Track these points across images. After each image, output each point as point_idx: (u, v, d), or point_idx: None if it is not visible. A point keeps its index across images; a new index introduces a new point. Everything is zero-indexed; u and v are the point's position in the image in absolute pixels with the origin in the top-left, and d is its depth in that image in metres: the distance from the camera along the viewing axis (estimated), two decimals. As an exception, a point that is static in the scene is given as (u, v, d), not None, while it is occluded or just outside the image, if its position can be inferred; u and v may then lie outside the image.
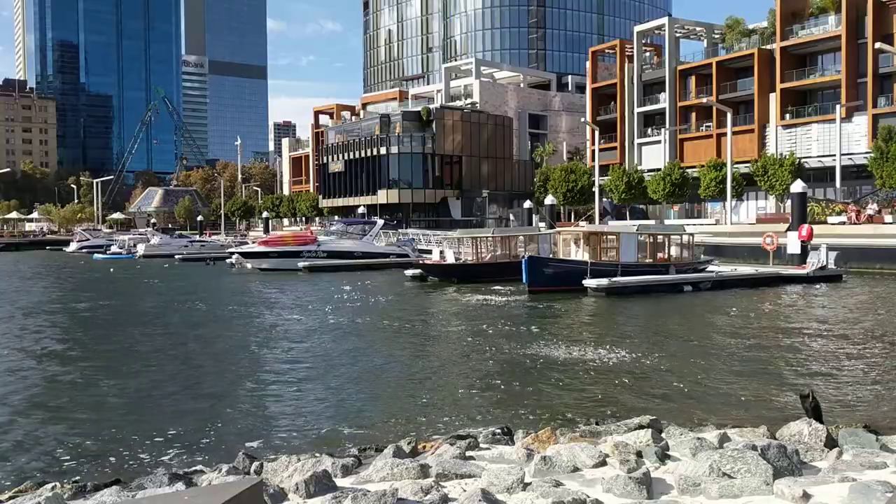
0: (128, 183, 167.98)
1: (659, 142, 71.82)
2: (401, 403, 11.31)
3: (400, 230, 62.52)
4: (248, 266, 45.20)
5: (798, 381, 12.03)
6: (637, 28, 77.09)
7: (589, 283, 26.64)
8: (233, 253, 48.97)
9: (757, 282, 29.98)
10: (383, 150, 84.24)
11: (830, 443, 6.43)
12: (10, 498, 6.40)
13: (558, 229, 35.74)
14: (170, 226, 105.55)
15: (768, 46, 63.71)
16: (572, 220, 65.75)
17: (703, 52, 73.50)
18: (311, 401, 11.56)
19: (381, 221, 53.58)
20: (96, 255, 67.64)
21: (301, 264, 42.94)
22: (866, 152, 52.39)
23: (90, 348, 17.39)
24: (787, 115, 62.02)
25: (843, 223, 43.13)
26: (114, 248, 70.97)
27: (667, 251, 31.72)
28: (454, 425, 9.45)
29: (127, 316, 24.06)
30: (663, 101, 71.75)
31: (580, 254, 29.88)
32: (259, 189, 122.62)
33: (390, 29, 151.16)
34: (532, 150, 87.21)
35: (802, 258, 32.96)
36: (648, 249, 31.11)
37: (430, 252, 44.74)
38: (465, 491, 5.27)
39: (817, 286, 29.18)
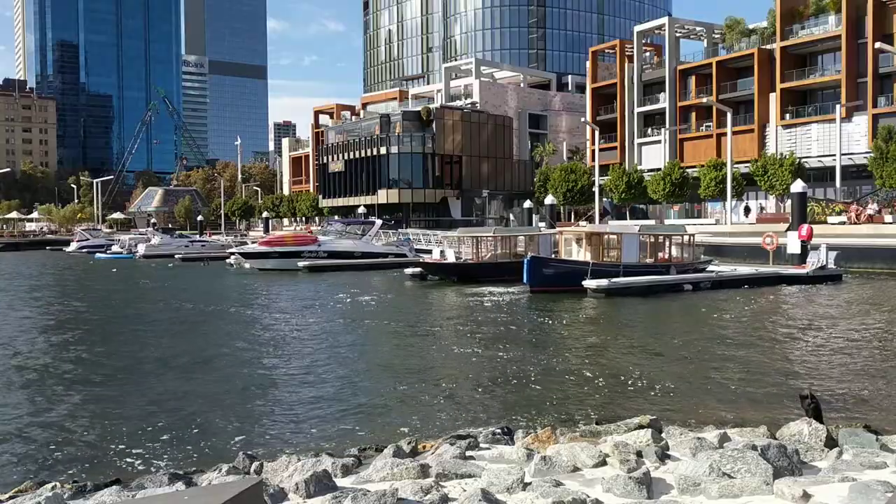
0: (128, 183, 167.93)
1: (659, 142, 71.81)
2: (401, 403, 11.32)
3: (400, 230, 62.55)
4: (247, 266, 45.21)
5: (798, 381, 12.03)
6: (637, 28, 77.06)
7: (589, 283, 26.63)
8: (232, 253, 48.96)
9: (757, 282, 29.97)
10: (383, 150, 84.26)
11: (830, 443, 6.43)
12: (10, 498, 6.40)
13: (559, 229, 35.75)
14: (170, 226, 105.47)
15: (768, 46, 63.69)
16: (572, 220, 65.74)
17: (703, 52, 73.47)
18: (311, 401, 11.56)
19: (379, 221, 53.62)
20: (98, 255, 67.77)
21: (301, 264, 42.96)
22: (866, 152, 52.36)
23: (90, 349, 17.38)
24: (787, 115, 61.99)
25: (843, 223, 43.10)
26: (115, 248, 71.07)
27: (667, 251, 31.73)
28: (454, 425, 9.45)
29: (127, 316, 24.06)
30: (663, 101, 71.73)
31: (581, 254, 29.89)
32: (259, 189, 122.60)
33: (390, 29, 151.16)
34: (532, 150, 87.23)
35: (802, 258, 32.95)
36: (649, 250, 31.13)
37: (429, 252, 44.75)
38: (465, 491, 5.27)
39: (817, 286, 29.17)
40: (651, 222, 58.61)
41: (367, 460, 6.75)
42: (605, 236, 30.82)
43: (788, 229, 36.82)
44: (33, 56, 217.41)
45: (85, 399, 12.01)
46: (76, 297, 31.35)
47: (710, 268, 32.15)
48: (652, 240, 31.57)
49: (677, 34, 74.00)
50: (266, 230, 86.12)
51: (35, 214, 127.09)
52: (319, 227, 63.67)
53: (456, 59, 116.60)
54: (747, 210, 57.15)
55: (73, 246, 78.19)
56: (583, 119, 75.94)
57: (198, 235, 79.95)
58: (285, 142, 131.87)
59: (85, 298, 30.39)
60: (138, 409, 11.16)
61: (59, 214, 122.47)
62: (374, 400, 11.72)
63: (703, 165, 59.30)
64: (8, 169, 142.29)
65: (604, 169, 65.56)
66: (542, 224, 54.59)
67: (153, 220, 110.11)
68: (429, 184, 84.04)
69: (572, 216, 71.25)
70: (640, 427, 7.36)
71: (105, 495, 6.11)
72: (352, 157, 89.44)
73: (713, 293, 27.37)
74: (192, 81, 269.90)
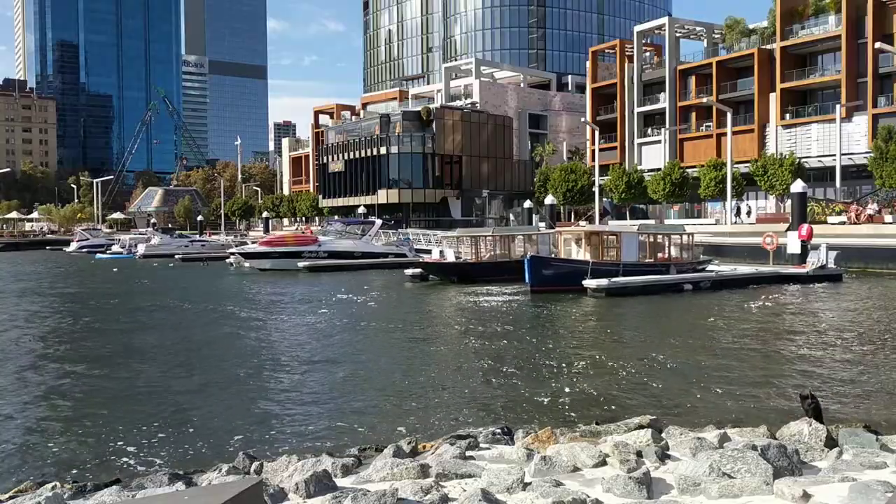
0: (128, 183, 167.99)
1: (659, 142, 71.80)
2: (401, 403, 11.31)
3: (400, 230, 62.56)
4: (247, 266, 45.20)
5: (798, 381, 12.03)
6: (637, 28, 77.06)
7: (588, 283, 26.64)
8: (232, 253, 48.96)
9: (757, 281, 29.99)
10: (383, 150, 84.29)
11: (830, 443, 6.43)
12: (10, 498, 6.40)
13: (558, 229, 35.75)
14: (170, 226, 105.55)
15: (768, 46, 63.69)
16: (572, 220, 65.75)
17: (703, 51, 73.47)
18: (311, 401, 11.56)
19: (379, 221, 53.62)
20: (98, 255, 67.92)
21: (301, 264, 42.96)
22: (866, 152, 52.37)
23: (91, 348, 17.39)
24: (787, 115, 62.00)
25: (843, 223, 43.11)
26: (115, 248, 71.19)
27: (667, 251, 31.75)
28: (454, 425, 9.45)
29: (127, 316, 24.05)
30: (663, 101, 71.73)
31: (581, 254, 29.89)
32: (259, 189, 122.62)
33: (390, 29, 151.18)
34: (532, 150, 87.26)
35: (802, 258, 32.96)
36: (649, 249, 31.14)
37: (429, 252, 44.78)
38: (465, 491, 5.27)
39: (817, 286, 29.19)
40: (651, 222, 58.59)
41: (367, 460, 6.75)
42: (605, 236, 30.83)
43: (788, 229, 36.83)
44: (33, 56, 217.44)
45: (85, 399, 12.01)
46: (78, 296, 31.34)
47: (710, 267, 32.16)
48: (651, 239, 31.59)
49: (677, 34, 73.99)
50: (266, 230, 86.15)
51: (35, 214, 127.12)
52: (319, 227, 63.67)
53: (456, 59, 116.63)
54: (738, 211, 57.07)
55: (73, 246, 78.35)
56: (583, 119, 75.94)
57: (198, 235, 79.99)
58: (285, 142, 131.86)
59: (86, 298, 30.38)
60: (138, 408, 11.16)
61: (59, 214, 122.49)
62: (374, 400, 11.72)
63: (703, 165, 59.31)
64: (8, 169, 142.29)
65: (604, 169, 65.56)
66: (542, 224, 54.60)
67: (153, 220, 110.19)
68: (429, 184, 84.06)
69: (572, 216, 71.25)
70: (640, 427, 7.36)
71: (105, 495, 6.11)
72: (352, 157, 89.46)
73: (713, 293, 27.38)
74: (192, 81, 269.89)
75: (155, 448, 9.02)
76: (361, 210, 78.46)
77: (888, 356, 14.55)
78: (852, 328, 18.45)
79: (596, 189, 59.59)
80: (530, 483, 5.29)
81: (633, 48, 75.17)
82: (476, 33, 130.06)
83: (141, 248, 65.60)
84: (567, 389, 11.93)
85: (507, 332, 18.62)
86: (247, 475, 6.49)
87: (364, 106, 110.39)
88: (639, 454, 6.02)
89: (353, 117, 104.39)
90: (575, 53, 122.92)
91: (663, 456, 6.11)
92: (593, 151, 67.59)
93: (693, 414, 10.04)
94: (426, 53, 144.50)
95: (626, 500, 5.06)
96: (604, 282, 26.50)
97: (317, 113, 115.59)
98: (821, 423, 6.91)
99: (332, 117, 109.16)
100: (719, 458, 5.30)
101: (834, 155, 52.82)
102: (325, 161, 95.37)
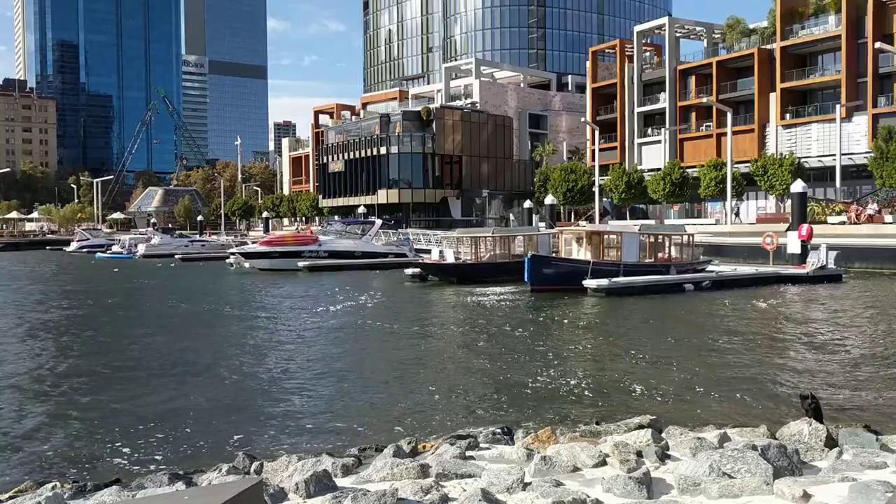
0: (128, 183, 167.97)
1: (659, 142, 71.77)
2: (401, 403, 11.31)
3: (400, 230, 62.57)
4: (247, 266, 45.21)
5: (798, 382, 12.03)
6: (637, 28, 77.03)
7: (589, 283, 26.63)
8: (233, 253, 48.98)
9: (757, 281, 29.99)
10: (383, 150, 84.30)
11: (830, 443, 6.43)
12: (10, 498, 6.40)
13: (559, 229, 35.75)
14: (170, 226, 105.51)
15: (768, 46, 63.68)
16: (572, 220, 65.74)
17: (703, 51, 73.45)
18: (311, 401, 11.57)
19: (379, 221, 53.61)
20: (98, 255, 67.99)
21: (301, 264, 42.96)
22: (866, 152, 52.36)
23: (92, 349, 17.39)
24: (787, 115, 61.98)
25: (843, 223, 43.10)
26: (115, 248, 71.23)
27: (667, 251, 31.75)
28: (454, 425, 9.45)
29: (127, 317, 24.06)
30: (663, 101, 71.71)
31: (581, 253, 29.89)
32: (259, 189, 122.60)
33: (390, 29, 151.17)
34: (532, 150, 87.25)
35: (802, 258, 32.96)
36: (649, 249, 31.14)
37: (429, 252, 44.77)
38: (465, 491, 5.27)
39: (817, 286, 29.19)
40: (651, 222, 58.57)
41: (367, 460, 6.75)
42: (606, 236, 30.83)
43: (788, 229, 36.82)
44: (33, 56, 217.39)
45: (85, 399, 12.01)
46: (78, 296, 31.34)
47: (710, 267, 32.15)
48: (652, 239, 31.59)
49: (677, 34, 73.97)
50: (266, 230, 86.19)
51: (35, 214, 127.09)
52: (319, 227, 63.68)
53: (456, 59, 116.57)
54: (735, 211, 56.94)
55: (73, 246, 78.45)
56: (583, 119, 75.92)
57: (198, 235, 80.00)
58: (285, 142, 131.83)
59: (88, 298, 30.38)
60: (139, 408, 11.16)
61: (59, 214, 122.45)
62: (374, 400, 11.72)
63: (703, 165, 59.27)
64: (8, 169, 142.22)
65: (604, 169, 65.54)
66: (542, 224, 54.59)
67: (153, 220, 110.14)
68: (429, 184, 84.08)
69: (572, 216, 71.24)
70: (640, 427, 7.36)
71: (105, 495, 6.11)
72: (352, 157, 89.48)
73: (713, 293, 27.37)
74: (192, 81, 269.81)
75: (155, 448, 9.02)
76: (361, 210, 78.47)
77: (888, 356, 14.55)
78: (852, 328, 18.45)
79: (596, 189, 59.57)
80: (530, 483, 5.29)
81: (633, 48, 75.14)
82: (476, 33, 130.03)
83: (141, 248, 65.62)
84: (567, 389, 11.93)
85: (506, 332, 18.62)
86: (247, 475, 6.49)
87: (364, 106, 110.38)
88: (639, 454, 6.02)
89: (353, 117, 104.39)
90: (575, 53, 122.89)
91: (663, 456, 6.11)
92: (593, 151, 67.58)
93: (693, 414, 10.03)
94: (426, 53, 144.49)
95: (626, 500, 5.06)
96: (604, 282, 26.48)
97: (317, 113, 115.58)
98: (821, 423, 6.91)
99: (332, 117, 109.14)
100: (719, 458, 5.30)
101: (834, 155, 52.80)
102: (325, 161, 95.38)
